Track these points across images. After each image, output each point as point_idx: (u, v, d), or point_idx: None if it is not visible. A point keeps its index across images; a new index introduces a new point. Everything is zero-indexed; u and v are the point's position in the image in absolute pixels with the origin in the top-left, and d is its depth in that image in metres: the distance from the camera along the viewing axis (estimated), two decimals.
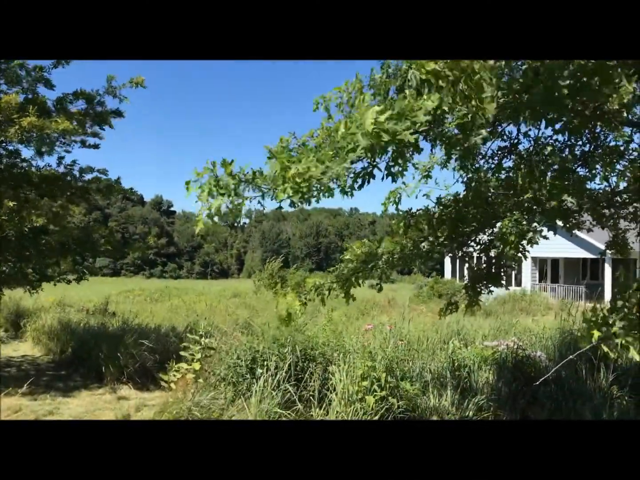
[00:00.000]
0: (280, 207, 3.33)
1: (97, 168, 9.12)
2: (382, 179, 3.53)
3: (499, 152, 4.73)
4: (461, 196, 4.63)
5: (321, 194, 3.00)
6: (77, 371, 9.72)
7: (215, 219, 2.98)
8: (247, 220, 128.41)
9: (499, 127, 4.52)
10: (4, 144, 8.21)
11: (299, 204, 2.84)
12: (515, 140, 4.73)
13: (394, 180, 3.67)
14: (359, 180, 3.62)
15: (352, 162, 2.88)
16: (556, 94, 2.81)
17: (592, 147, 4.50)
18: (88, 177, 9.03)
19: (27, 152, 8.82)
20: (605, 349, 2.79)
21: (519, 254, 4.20)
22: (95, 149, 8.91)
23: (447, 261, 33.17)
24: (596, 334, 2.70)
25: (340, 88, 3.65)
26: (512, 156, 4.71)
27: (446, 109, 2.70)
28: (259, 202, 3.09)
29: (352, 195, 3.58)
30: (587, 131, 4.37)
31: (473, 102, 2.23)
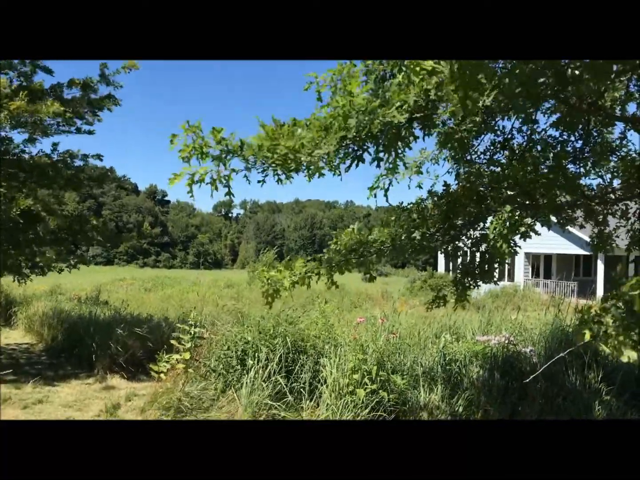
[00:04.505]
0: (264, 181, 3.27)
1: (91, 154, 9.08)
2: (371, 163, 3.51)
3: (492, 147, 4.72)
4: (453, 189, 4.61)
5: (311, 172, 2.98)
6: (68, 360, 9.69)
7: (210, 207, 2.96)
8: (242, 211, 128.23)
9: (492, 122, 4.51)
10: None
11: (287, 179, 2.82)
12: (509, 136, 4.72)
13: (378, 166, 3.64)
14: (347, 162, 3.59)
15: (341, 140, 2.87)
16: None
17: (585, 143, 4.49)
18: (82, 163, 8.98)
19: (20, 139, 8.80)
20: (602, 346, 2.79)
21: (511, 250, 4.19)
22: (91, 135, 8.85)
23: (441, 255, 33.22)
24: (588, 332, 2.70)
25: (334, 70, 3.61)
26: (504, 151, 4.70)
27: (437, 95, 2.68)
28: (245, 175, 3.06)
29: (339, 173, 3.54)
30: (580, 127, 4.36)
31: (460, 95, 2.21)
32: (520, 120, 4.10)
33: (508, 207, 3.62)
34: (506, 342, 7.31)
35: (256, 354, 6.46)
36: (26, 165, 8.25)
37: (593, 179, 4.73)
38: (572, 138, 4.46)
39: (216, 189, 2.84)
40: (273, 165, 2.73)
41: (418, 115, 2.76)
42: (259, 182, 2.92)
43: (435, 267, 36.52)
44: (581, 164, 4.44)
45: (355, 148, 3.03)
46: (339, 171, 3.11)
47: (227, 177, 2.81)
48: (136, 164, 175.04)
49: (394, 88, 2.36)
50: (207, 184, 2.81)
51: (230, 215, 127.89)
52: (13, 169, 8.11)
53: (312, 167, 2.73)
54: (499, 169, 4.44)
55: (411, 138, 3.04)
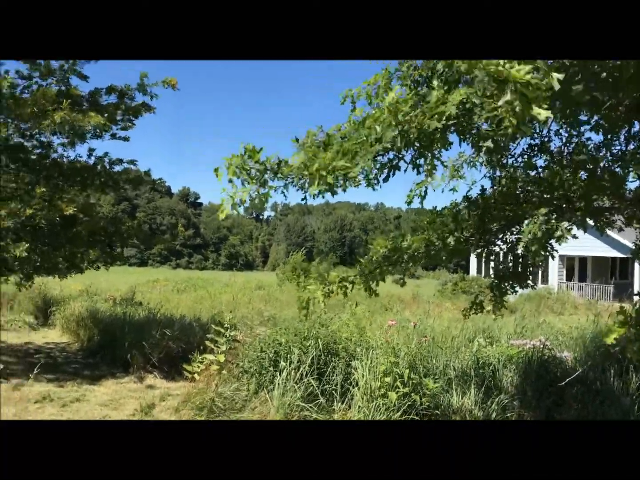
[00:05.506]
0: (305, 199, 3.32)
1: (126, 159, 9.26)
2: (405, 171, 3.50)
3: (529, 151, 4.65)
4: (488, 193, 4.57)
5: (347, 184, 2.99)
6: (104, 359, 9.88)
7: (241, 209, 3.00)
8: (273, 213, 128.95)
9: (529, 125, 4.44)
10: (37, 135, 8.38)
11: (325, 195, 2.83)
12: (546, 139, 4.65)
13: (418, 172, 3.63)
14: (384, 172, 3.59)
15: (377, 154, 2.87)
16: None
17: (629, 145, 4.38)
18: (118, 168, 9.17)
19: (58, 142, 9.08)
20: (628, 352, 2.74)
21: (547, 253, 4.13)
22: (126, 141, 9.03)
23: (473, 258, 32.83)
24: (617, 333, 2.66)
25: (369, 81, 3.61)
26: (542, 155, 4.62)
27: (476, 101, 2.66)
28: (282, 192, 3.09)
29: (376, 185, 3.55)
30: (624, 130, 4.25)
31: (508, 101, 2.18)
32: (562, 124, 4.03)
33: (544, 210, 3.57)
34: (541, 346, 7.20)
35: (288, 355, 6.49)
36: (65, 169, 8.47)
37: (632, 180, 4.62)
38: (616, 141, 4.36)
39: (256, 207, 2.89)
40: (312, 184, 2.73)
41: (452, 122, 2.74)
42: (302, 200, 2.96)
43: (466, 270, 36.10)
44: (622, 167, 4.34)
45: (391, 157, 3.03)
46: (376, 184, 3.10)
47: (265, 195, 2.84)
48: (169, 166, 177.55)
49: (435, 96, 2.34)
50: (247, 202, 2.86)
51: (261, 217, 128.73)
52: (53, 172, 8.33)
53: (350, 181, 2.73)
54: (534, 172, 4.38)
55: (445, 142, 3.02)
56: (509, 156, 4.73)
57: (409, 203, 4.43)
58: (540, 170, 4.45)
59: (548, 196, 4.13)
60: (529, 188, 4.12)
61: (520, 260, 4.90)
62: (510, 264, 5.04)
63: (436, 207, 4.84)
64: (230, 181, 2.85)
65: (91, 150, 8.99)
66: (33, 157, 8.56)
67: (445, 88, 2.45)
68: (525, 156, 4.74)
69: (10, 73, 7.66)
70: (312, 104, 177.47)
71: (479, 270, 33.26)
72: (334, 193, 2.73)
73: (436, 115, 2.31)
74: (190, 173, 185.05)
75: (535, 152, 4.73)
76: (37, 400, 6.94)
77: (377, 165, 3.05)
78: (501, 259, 5.22)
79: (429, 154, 3.22)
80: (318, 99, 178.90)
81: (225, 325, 7.23)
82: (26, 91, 8.06)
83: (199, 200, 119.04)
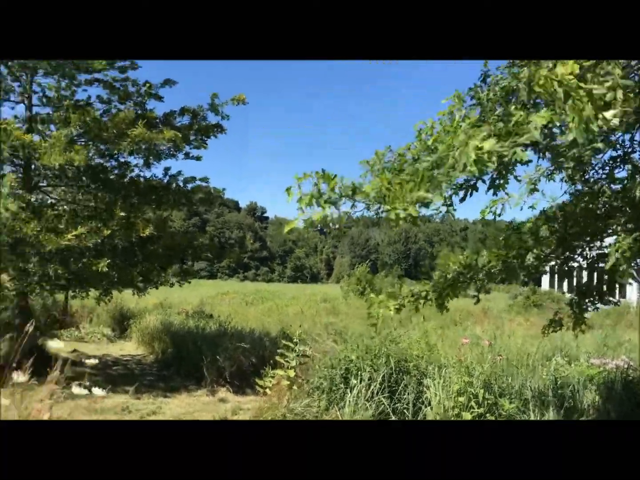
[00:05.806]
0: (379, 219, 3.32)
1: (198, 177, 9.55)
2: (486, 192, 3.43)
3: (611, 162, 4.46)
4: (568, 208, 4.40)
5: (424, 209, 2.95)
6: (178, 372, 10.12)
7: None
8: (337, 226, 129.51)
9: (611, 136, 4.26)
10: (116, 156, 8.78)
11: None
12: (629, 149, 4.44)
13: (494, 194, 3.55)
14: (461, 193, 3.53)
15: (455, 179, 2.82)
16: None
17: None
18: (190, 186, 9.47)
19: (134, 162, 9.54)
20: None
21: (633, 272, 3.93)
22: (198, 161, 9.32)
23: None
24: None
25: (443, 112, 3.57)
26: (625, 166, 4.42)
27: (557, 123, 2.58)
28: (358, 217, 3.09)
29: (451, 206, 3.51)
30: None
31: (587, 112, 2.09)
32: None
33: (632, 227, 3.40)
34: (625, 366, 6.84)
35: (359, 372, 6.44)
36: (142, 188, 8.82)
37: None
38: None
39: (330, 231, 2.90)
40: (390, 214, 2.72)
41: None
42: (373, 225, 2.96)
43: (538, 283, 34.81)
44: None
45: (468, 177, 2.98)
46: (449, 205, 3.06)
47: (340, 220, 2.85)
48: (239, 183, 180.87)
49: (515, 119, 2.28)
50: (320, 224, 2.88)
51: (325, 230, 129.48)
52: (130, 191, 8.69)
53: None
54: (617, 186, 4.19)
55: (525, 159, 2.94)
56: (590, 168, 4.55)
57: (483, 219, 4.34)
58: (624, 183, 4.26)
59: (633, 211, 3.94)
60: (613, 203, 3.93)
61: (602, 276, 4.69)
62: (587, 280, 4.84)
63: (512, 222, 4.71)
64: (302, 204, 2.87)
65: (167, 169, 9.34)
66: (112, 177, 8.97)
67: (524, 112, 2.38)
68: (607, 168, 4.55)
69: (91, 98, 8.09)
70: (312, 104, 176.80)
71: (551, 284, 32.08)
72: (416, 224, 2.70)
73: (516, 140, 2.25)
74: (256, 187, 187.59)
75: (617, 164, 4.53)
76: (117, 412, 7.19)
77: (453, 186, 3.01)
78: (584, 276, 5.02)
79: (505, 172, 3.16)
80: (318, 99, 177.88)
81: (295, 340, 7.26)
82: (105, 115, 8.49)
83: (265, 215, 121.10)
